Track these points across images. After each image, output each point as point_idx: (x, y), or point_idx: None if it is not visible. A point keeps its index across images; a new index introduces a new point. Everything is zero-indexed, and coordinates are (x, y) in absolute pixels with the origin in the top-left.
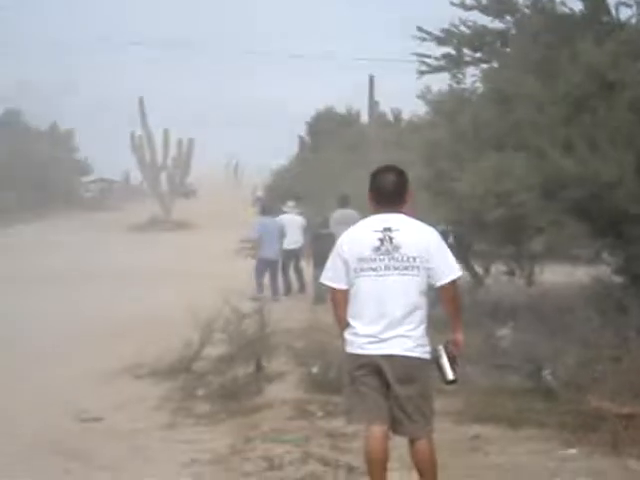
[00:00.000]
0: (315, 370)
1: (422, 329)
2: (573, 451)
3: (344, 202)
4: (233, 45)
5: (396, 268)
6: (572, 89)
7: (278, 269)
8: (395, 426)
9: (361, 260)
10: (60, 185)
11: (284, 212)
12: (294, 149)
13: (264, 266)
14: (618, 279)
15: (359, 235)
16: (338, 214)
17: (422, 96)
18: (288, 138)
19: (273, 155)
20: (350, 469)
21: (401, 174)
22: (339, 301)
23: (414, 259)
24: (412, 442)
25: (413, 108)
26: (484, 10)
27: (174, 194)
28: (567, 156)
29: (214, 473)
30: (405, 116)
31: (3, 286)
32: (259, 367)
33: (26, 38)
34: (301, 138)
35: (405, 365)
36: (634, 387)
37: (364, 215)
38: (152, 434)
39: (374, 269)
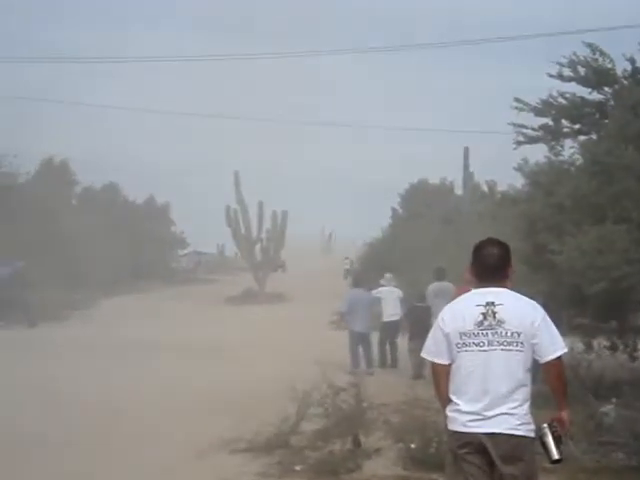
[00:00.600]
0: (414, 446)
1: (527, 406)
2: None
3: (440, 275)
4: (325, 117)
5: (500, 343)
6: None
7: (370, 342)
8: None
9: (463, 335)
10: (156, 258)
11: (381, 285)
12: (388, 221)
13: (356, 339)
14: None
15: (461, 309)
16: (435, 287)
17: (519, 168)
18: (382, 210)
19: (368, 227)
20: None
21: (504, 247)
22: (440, 376)
23: (518, 334)
24: None
25: (508, 180)
26: (582, 81)
27: (268, 267)
28: None
29: None
30: (500, 188)
31: (101, 357)
32: (357, 442)
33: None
34: (394, 210)
35: (510, 444)
36: None
37: None
38: None
39: (477, 344)
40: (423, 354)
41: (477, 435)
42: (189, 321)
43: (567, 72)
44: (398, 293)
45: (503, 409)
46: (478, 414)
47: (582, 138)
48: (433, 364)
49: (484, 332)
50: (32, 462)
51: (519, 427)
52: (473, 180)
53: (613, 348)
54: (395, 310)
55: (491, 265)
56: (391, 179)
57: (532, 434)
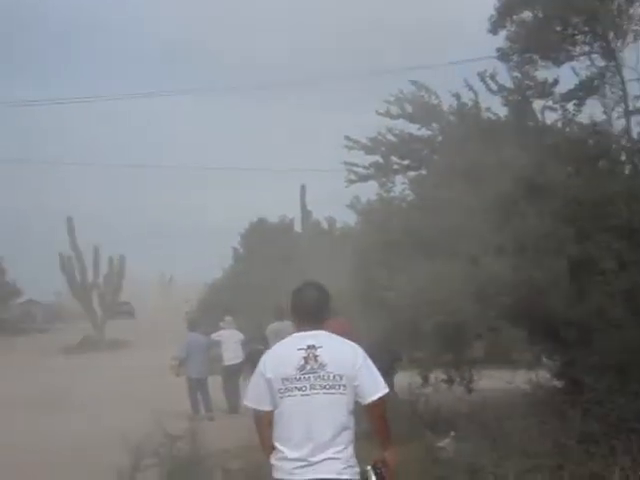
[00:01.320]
0: None
1: (351, 449)
2: None
3: (280, 314)
4: (155, 158)
5: (322, 387)
6: (500, 195)
7: (207, 386)
8: None
9: (285, 380)
10: None
11: (221, 327)
12: (228, 261)
13: (194, 385)
14: (558, 383)
15: (282, 354)
16: (274, 326)
17: (352, 205)
18: (220, 251)
19: (208, 269)
20: None
21: (321, 290)
22: (263, 424)
23: (340, 377)
24: None
25: (345, 217)
26: (410, 118)
27: (107, 313)
28: (499, 262)
29: None
30: (339, 224)
31: None
32: None
33: None
34: (235, 250)
35: None
36: None
37: None
38: None
39: (299, 388)
40: (245, 401)
41: None
42: (21, 373)
43: (395, 109)
44: (239, 336)
45: (328, 454)
46: (303, 460)
47: (412, 174)
48: (255, 411)
49: (306, 376)
50: None
51: (344, 471)
52: (311, 218)
53: (450, 381)
54: (236, 353)
55: (309, 308)
56: (230, 220)
57: (357, 477)
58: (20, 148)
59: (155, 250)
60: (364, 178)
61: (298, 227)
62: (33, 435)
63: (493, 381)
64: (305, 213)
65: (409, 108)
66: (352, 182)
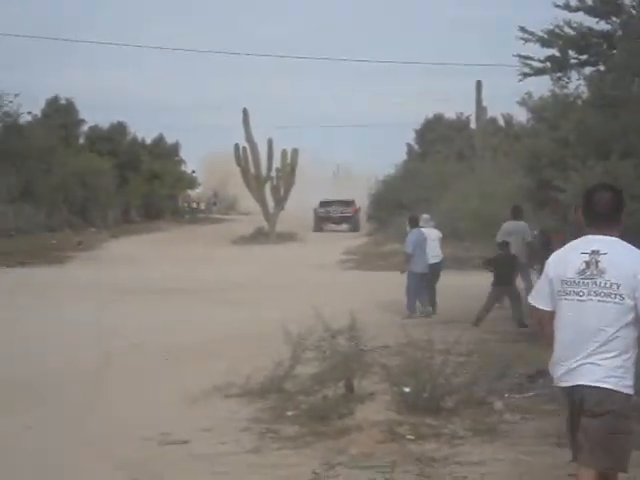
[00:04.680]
0: (407, 390)
1: (621, 360)
2: None
3: (517, 214)
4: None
5: (597, 294)
6: None
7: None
8: (581, 456)
9: (564, 282)
10: (166, 199)
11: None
12: (402, 157)
13: (418, 279)
14: None
15: (566, 256)
16: (509, 225)
17: (523, 102)
18: (395, 146)
19: (380, 163)
20: None
21: (618, 194)
22: (545, 323)
23: (617, 286)
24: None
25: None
26: (589, 11)
27: (279, 206)
28: None
29: None
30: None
31: (100, 298)
32: (350, 387)
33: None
34: (409, 146)
35: (594, 396)
36: None
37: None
38: (236, 458)
39: (577, 293)
40: (529, 299)
41: (568, 387)
42: (198, 261)
43: (574, 2)
44: (437, 234)
45: (591, 360)
46: (569, 365)
47: (589, 70)
48: (537, 310)
49: (585, 281)
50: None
51: (606, 379)
52: (486, 114)
53: None
54: (436, 252)
55: (602, 212)
56: (405, 115)
57: (625, 390)
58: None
59: (328, 143)
60: (539, 72)
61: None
62: (202, 320)
63: None
64: (480, 110)
65: (589, 0)
66: (526, 75)
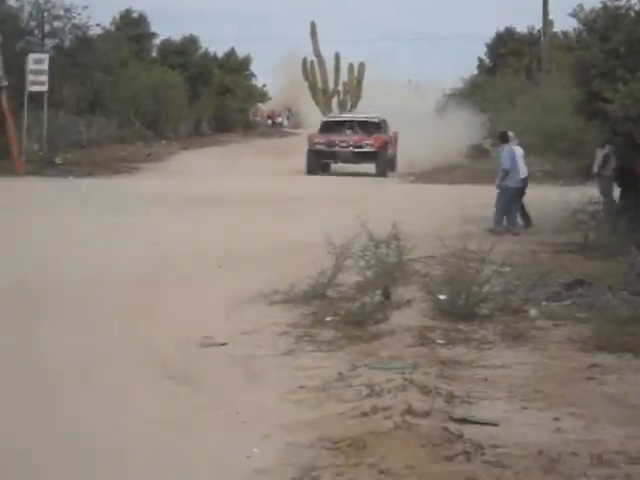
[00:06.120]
0: (443, 297)
1: None
2: None
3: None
4: None
5: None
6: None
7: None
8: None
9: None
10: (237, 112)
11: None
12: (472, 71)
13: (513, 194)
14: None
15: None
16: None
17: (574, 14)
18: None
19: (448, 76)
20: (450, 398)
21: None
22: None
23: None
24: None
25: None
26: None
27: None
28: None
29: (315, 400)
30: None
31: (162, 207)
32: (387, 294)
33: None
34: (480, 60)
35: None
36: None
37: None
38: (270, 360)
39: None
40: None
41: None
42: (266, 173)
43: None
44: (522, 151)
45: None
46: None
47: None
48: None
49: None
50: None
51: None
52: (552, 27)
53: None
54: (524, 167)
55: None
56: (477, 27)
57: None
58: None
59: (396, 56)
60: None
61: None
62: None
63: None
64: (547, 23)
65: None
66: None
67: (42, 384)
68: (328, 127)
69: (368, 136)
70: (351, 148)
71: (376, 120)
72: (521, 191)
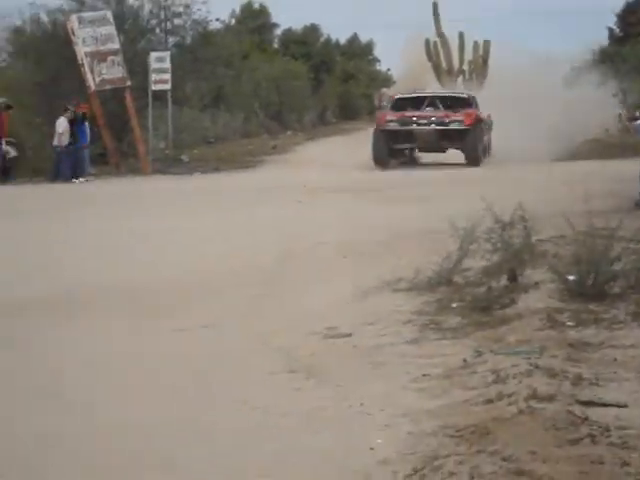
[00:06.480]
0: (572, 278)
1: None
2: None
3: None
4: None
5: None
6: None
7: None
8: None
9: None
10: (361, 98)
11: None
12: (603, 42)
13: None
14: None
15: None
16: None
17: None
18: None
19: (578, 50)
20: (577, 381)
21: None
22: None
23: None
24: None
25: None
26: None
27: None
28: None
29: (439, 388)
30: None
31: (280, 197)
32: (513, 277)
33: None
34: (610, 30)
35: None
36: None
37: None
38: (394, 349)
39: None
40: None
41: None
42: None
43: None
44: None
45: None
46: None
47: None
48: None
49: None
50: None
51: None
52: None
53: None
54: None
55: None
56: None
57: None
58: None
59: (526, 32)
60: None
61: None
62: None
63: None
64: None
65: None
66: None
67: (163, 383)
68: (402, 106)
69: (455, 113)
70: (434, 126)
71: (465, 96)
72: None
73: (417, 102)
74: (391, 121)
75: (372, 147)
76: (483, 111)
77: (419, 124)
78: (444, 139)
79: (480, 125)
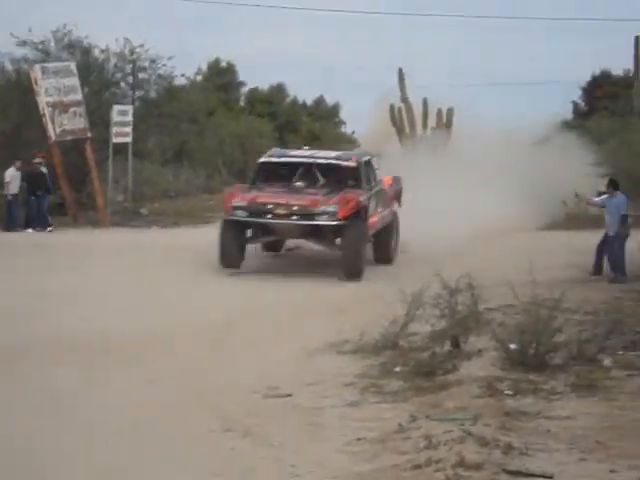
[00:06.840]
0: (513, 347)
1: None
2: None
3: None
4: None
5: None
6: None
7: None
8: None
9: None
10: None
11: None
12: (567, 116)
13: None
14: None
15: None
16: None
17: None
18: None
19: (539, 122)
20: (507, 450)
21: None
22: None
23: None
24: None
25: None
26: None
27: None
28: None
29: (371, 452)
30: None
31: None
32: (456, 344)
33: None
34: (575, 104)
35: None
36: None
37: None
38: (333, 411)
39: None
40: None
41: None
42: None
43: None
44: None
45: None
46: None
47: None
48: None
49: None
50: None
51: None
52: None
53: None
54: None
55: None
56: (571, 71)
57: None
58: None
59: (486, 102)
60: None
61: None
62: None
63: None
64: (638, 66)
65: None
66: None
67: (103, 435)
68: (268, 173)
69: (328, 197)
70: (295, 219)
71: (352, 164)
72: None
73: (288, 170)
74: (239, 208)
75: (219, 241)
76: (398, 173)
77: (275, 215)
78: (311, 236)
79: (365, 213)
